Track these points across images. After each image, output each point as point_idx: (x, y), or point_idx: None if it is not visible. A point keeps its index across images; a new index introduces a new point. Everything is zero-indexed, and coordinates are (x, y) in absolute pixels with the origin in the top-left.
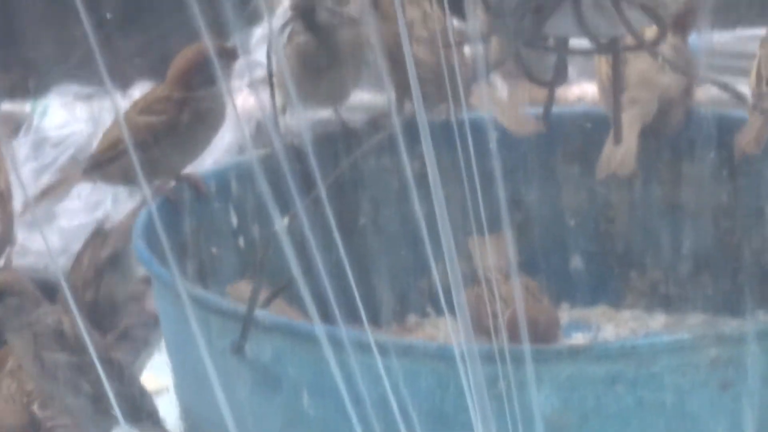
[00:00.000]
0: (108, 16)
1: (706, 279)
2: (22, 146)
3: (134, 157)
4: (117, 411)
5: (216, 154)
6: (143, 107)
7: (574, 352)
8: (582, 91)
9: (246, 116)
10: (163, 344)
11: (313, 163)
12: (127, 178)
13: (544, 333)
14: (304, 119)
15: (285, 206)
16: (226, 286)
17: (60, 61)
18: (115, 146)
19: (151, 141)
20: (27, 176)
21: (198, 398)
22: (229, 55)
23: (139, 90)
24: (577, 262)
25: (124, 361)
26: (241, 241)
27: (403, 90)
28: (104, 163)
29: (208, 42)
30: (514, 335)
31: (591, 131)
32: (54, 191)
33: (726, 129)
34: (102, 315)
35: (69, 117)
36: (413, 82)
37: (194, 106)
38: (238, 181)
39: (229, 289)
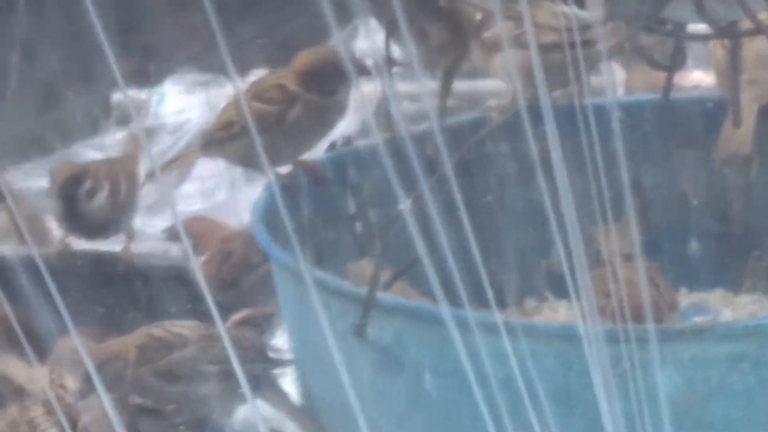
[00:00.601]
0: (226, 2)
1: None
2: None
3: (246, 142)
4: (246, 389)
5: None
6: (256, 93)
7: (698, 332)
8: (697, 78)
9: (364, 102)
10: (283, 327)
11: (440, 143)
12: (243, 160)
13: (663, 317)
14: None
15: (404, 191)
16: (345, 266)
17: (177, 49)
18: (228, 127)
19: (259, 128)
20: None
21: (318, 380)
22: (359, 69)
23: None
24: (695, 246)
25: (250, 341)
26: (358, 226)
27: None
28: (219, 141)
29: (342, 52)
30: (636, 317)
31: (709, 114)
32: (176, 165)
33: None
34: (227, 297)
35: (185, 104)
36: (537, 67)
37: (306, 105)
38: (355, 166)
39: (351, 267)
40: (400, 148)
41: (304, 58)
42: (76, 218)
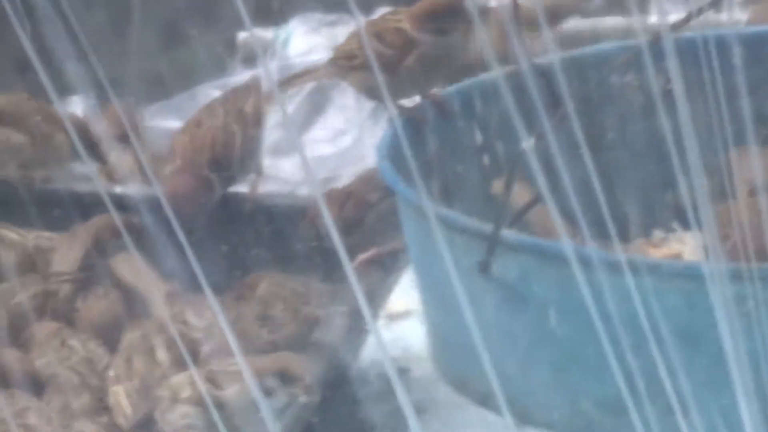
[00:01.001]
0: None
1: None
2: (263, 79)
3: (367, 75)
4: (373, 327)
5: None
6: (376, 32)
7: None
8: None
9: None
10: (410, 267)
11: (561, 81)
12: (365, 91)
13: None
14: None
15: (529, 124)
16: (472, 200)
17: None
18: (350, 58)
19: (379, 68)
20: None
21: (444, 318)
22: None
23: (379, 13)
24: None
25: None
26: (486, 159)
27: None
28: (342, 68)
29: None
30: (759, 255)
31: None
32: (299, 81)
33: None
34: (351, 237)
35: (312, 44)
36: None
37: (423, 50)
38: (482, 98)
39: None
40: (523, 81)
41: (424, 1)
42: None
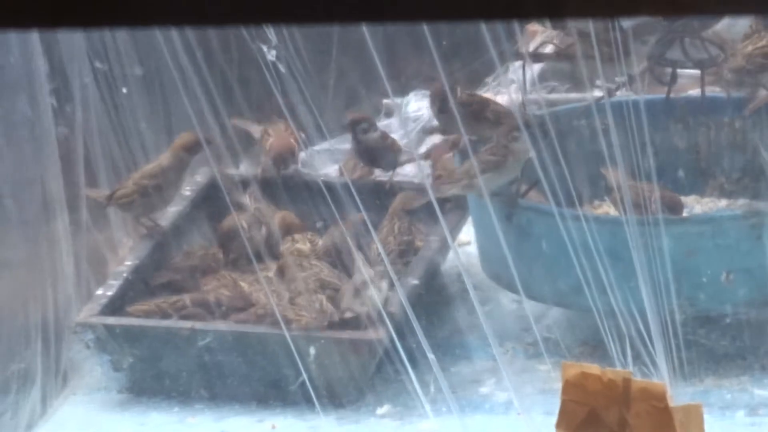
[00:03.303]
0: (443, 45)
1: None
2: (394, 124)
3: None
4: (453, 247)
5: None
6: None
7: (683, 220)
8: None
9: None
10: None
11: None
12: None
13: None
14: None
15: (533, 145)
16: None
17: (415, 76)
18: None
19: None
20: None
21: (488, 244)
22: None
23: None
24: (681, 174)
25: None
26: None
27: None
28: None
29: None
30: (653, 211)
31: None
32: None
33: None
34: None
35: (419, 106)
36: None
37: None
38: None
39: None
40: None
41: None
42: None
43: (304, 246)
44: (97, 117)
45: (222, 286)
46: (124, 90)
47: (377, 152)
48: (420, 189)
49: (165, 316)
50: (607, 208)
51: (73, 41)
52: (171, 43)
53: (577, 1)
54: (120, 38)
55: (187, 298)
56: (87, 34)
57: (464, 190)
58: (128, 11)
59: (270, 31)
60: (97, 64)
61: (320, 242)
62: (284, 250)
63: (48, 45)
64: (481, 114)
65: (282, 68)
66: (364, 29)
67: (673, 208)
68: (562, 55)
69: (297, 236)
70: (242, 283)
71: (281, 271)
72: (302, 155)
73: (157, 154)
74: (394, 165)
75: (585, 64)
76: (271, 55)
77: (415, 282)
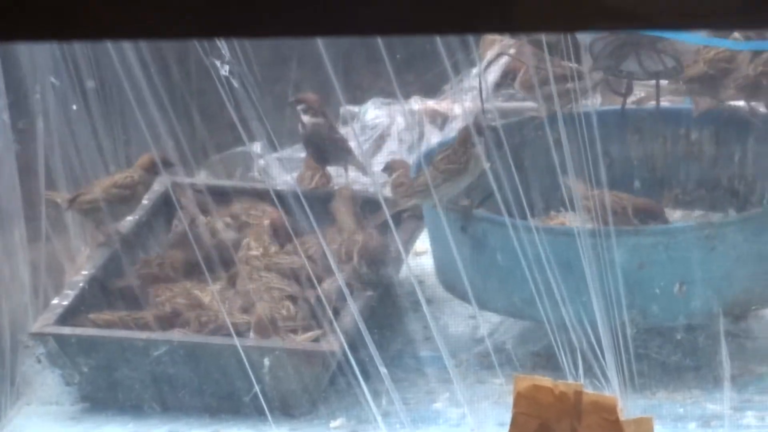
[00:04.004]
0: (398, 55)
1: None
2: (355, 130)
3: None
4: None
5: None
6: None
7: (636, 230)
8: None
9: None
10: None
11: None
12: None
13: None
14: None
15: (488, 156)
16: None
17: (373, 84)
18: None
19: None
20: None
21: (443, 254)
22: None
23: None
24: (639, 184)
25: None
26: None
27: None
28: None
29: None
30: (604, 221)
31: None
32: None
33: None
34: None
35: (377, 114)
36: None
37: None
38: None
39: None
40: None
41: None
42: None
43: (258, 252)
44: (57, 128)
45: (177, 295)
46: (74, 107)
47: (321, 140)
48: (375, 201)
49: (127, 328)
50: (563, 219)
51: (30, 55)
52: (125, 57)
53: (532, 15)
54: (77, 51)
55: (149, 315)
56: (43, 48)
57: (423, 200)
58: (82, 25)
59: (223, 45)
60: (52, 79)
61: (273, 249)
62: (240, 257)
63: (3, 59)
64: None
65: (235, 83)
66: (318, 41)
67: (654, 214)
68: (525, 85)
69: (252, 243)
70: (197, 292)
71: (232, 281)
72: (261, 162)
73: (114, 166)
74: (343, 161)
75: (541, 77)
76: (224, 70)
77: (369, 293)
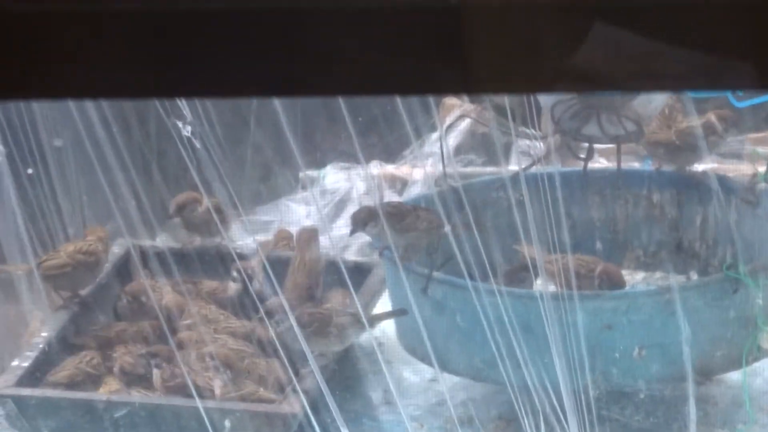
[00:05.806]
0: (360, 119)
1: None
2: (312, 195)
3: None
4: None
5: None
6: None
7: (597, 294)
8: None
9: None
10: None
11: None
12: None
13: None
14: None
15: (448, 217)
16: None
17: (333, 148)
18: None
19: None
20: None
21: (404, 318)
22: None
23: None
24: (601, 247)
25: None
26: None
27: None
28: None
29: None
30: (568, 286)
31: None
32: None
33: None
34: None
35: (338, 178)
36: None
37: None
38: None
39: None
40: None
41: None
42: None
43: (209, 313)
44: (9, 196)
45: (127, 353)
46: (30, 171)
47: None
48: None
49: (87, 377)
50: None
51: None
52: (86, 116)
53: (493, 76)
54: (37, 110)
55: (98, 356)
56: (2, 106)
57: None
58: (44, 84)
59: (185, 106)
60: (8, 139)
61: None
62: (192, 314)
63: None
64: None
65: (197, 144)
66: (278, 103)
67: (616, 281)
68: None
69: (202, 303)
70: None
71: (180, 345)
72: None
73: (73, 228)
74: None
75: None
76: (186, 131)
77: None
